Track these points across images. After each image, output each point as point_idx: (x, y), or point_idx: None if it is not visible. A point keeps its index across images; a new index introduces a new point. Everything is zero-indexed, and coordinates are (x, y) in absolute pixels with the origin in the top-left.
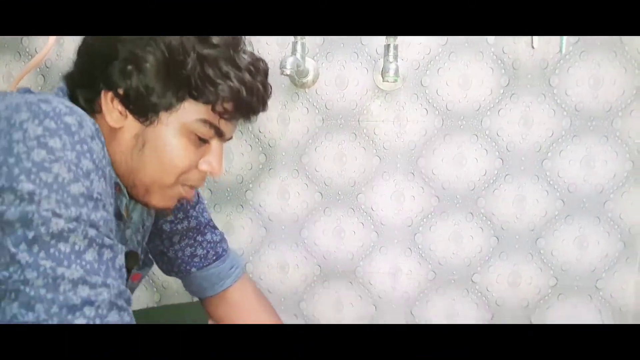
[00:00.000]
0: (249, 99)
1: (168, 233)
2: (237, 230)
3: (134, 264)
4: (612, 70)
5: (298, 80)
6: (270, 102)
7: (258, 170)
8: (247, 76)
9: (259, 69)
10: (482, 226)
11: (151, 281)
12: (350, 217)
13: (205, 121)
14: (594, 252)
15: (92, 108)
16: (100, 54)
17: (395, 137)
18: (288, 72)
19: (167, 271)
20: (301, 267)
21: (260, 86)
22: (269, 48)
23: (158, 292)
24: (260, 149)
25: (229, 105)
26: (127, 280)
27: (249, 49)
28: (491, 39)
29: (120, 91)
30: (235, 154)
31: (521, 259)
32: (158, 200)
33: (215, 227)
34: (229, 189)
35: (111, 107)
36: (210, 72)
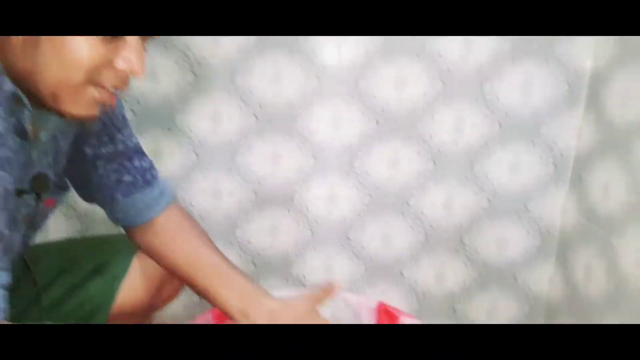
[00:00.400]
0: None
1: (91, 157)
2: (165, 156)
3: (44, 188)
4: None
5: None
6: None
7: (187, 89)
8: None
9: None
10: (419, 150)
11: (72, 209)
12: (287, 143)
13: None
14: (526, 175)
15: None
16: None
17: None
18: None
19: (89, 198)
20: (236, 194)
21: None
22: None
23: (79, 220)
24: (189, 66)
25: None
26: (37, 204)
27: None
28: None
29: None
30: (160, 73)
31: (456, 183)
32: (72, 106)
33: (143, 153)
34: (156, 112)
35: None
36: None
